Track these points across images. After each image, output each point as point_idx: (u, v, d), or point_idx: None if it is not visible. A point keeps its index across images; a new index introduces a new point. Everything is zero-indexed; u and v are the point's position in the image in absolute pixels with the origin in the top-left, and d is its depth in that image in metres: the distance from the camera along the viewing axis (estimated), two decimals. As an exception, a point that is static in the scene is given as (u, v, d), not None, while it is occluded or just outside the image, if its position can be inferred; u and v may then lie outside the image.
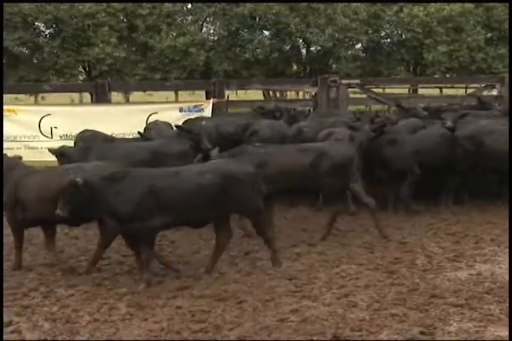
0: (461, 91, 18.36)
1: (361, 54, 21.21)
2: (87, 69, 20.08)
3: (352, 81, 13.99)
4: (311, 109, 13.07)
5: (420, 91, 19.89)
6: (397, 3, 19.58)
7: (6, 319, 5.21)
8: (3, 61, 17.04)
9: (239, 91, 24.70)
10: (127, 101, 23.52)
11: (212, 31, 20.64)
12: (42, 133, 11.90)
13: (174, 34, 19.18)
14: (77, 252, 7.11)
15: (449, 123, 8.44)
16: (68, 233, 7.80)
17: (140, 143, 8.53)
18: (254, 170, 6.34)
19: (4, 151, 8.01)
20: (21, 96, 21.56)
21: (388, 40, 20.93)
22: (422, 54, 19.79)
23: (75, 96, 26.74)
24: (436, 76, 19.91)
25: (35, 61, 18.96)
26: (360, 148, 7.97)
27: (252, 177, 6.22)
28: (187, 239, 7.54)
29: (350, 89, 13.96)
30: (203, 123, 10.29)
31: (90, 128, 9.88)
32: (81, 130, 9.91)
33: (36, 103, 19.38)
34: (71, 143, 9.42)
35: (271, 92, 22.43)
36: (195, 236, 7.59)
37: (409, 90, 19.90)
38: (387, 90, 19.51)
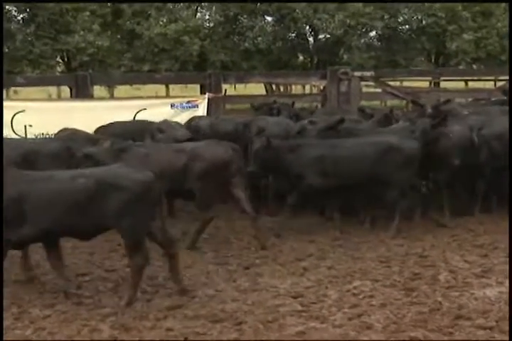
0: (490, 85, 18.40)
1: (376, 43, 21.29)
2: (66, 59, 20.16)
3: (365, 73, 14.00)
4: (319, 105, 13.10)
5: (443, 84, 19.89)
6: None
7: (-27, 343, 5.20)
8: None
9: (238, 85, 24.71)
10: (112, 97, 23.55)
11: (207, 17, 20.74)
12: (15, 132, 11.89)
13: (164, 20, 19.28)
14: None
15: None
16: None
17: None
18: (146, 177, 5.96)
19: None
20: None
21: (407, 26, 21.00)
22: (445, 42, 19.85)
23: (53, 90, 26.84)
24: (460, 67, 19.95)
25: (7, 50, 19.01)
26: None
27: (138, 187, 5.81)
28: (180, 252, 7.51)
29: (363, 83, 13.97)
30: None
31: (71, 126, 9.89)
32: (59, 129, 9.91)
33: (8, 98, 19.40)
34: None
35: (274, 86, 22.47)
36: (189, 248, 7.59)
37: (430, 83, 19.91)
38: (405, 83, 19.54)
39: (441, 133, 8.48)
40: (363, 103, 14.22)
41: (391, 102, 19.18)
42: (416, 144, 8.23)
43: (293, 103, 11.63)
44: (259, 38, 19.80)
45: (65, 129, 9.74)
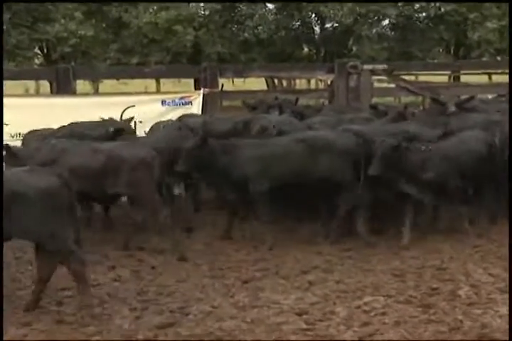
0: (515, 78, 18.39)
1: (389, 32, 21.31)
2: (45, 50, 20.16)
3: (377, 66, 14.03)
4: (326, 102, 13.12)
5: (463, 78, 19.94)
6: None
7: None
8: None
9: (236, 80, 24.77)
10: (96, 92, 23.59)
11: (202, 4, 20.73)
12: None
13: (155, 8, 19.28)
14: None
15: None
16: (22, 257, 7.81)
17: None
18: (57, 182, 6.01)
19: None
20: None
21: (423, 14, 20.99)
22: (466, 31, 19.85)
23: (30, 84, 26.87)
24: (483, 59, 19.97)
25: (-22, 40, 19.05)
26: None
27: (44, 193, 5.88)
28: (171, 265, 7.55)
29: (374, 77, 14.00)
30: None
31: (51, 125, 9.93)
32: (38, 127, 9.96)
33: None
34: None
35: (276, 81, 22.49)
36: (182, 260, 7.62)
37: (449, 77, 19.96)
38: (421, 78, 19.56)
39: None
40: (375, 99, 14.24)
41: (406, 99, 19.21)
42: (353, 140, 8.29)
43: (297, 99, 11.64)
44: (260, 28, 19.84)
45: (33, 131, 9.85)
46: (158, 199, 7.92)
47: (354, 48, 20.61)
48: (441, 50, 22.51)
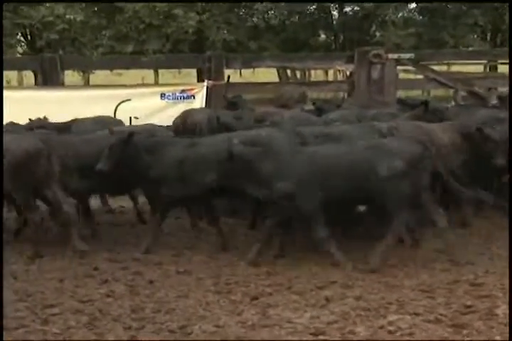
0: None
1: (416, 17, 21.30)
2: (29, 37, 20.22)
3: (403, 55, 14.05)
4: (345, 95, 13.12)
5: (501, 68, 19.90)
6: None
7: None
8: None
9: (244, 71, 24.79)
10: (87, 84, 23.64)
11: (206, -15, 20.79)
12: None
13: (153, -11, 19.33)
14: (15, 296, 7.15)
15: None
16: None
17: None
18: None
19: None
20: None
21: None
22: (503, 16, 19.82)
23: (12, 75, 26.90)
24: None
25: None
26: None
27: None
28: (171, 278, 7.57)
29: (400, 67, 14.01)
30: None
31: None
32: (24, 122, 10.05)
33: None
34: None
35: (288, 72, 22.51)
36: (183, 274, 7.65)
37: (485, 67, 19.95)
38: (454, 68, 19.57)
39: None
40: (400, 93, 14.24)
41: (435, 92, 19.21)
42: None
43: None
44: (271, 12, 19.88)
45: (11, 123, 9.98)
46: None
47: (377, 35, 20.64)
48: (475, 36, 22.50)
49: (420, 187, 7.73)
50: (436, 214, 7.83)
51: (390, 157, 7.61)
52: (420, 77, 14.39)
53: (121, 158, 8.28)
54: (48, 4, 18.50)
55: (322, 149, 8.02)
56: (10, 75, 26.83)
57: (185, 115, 10.89)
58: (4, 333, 6.17)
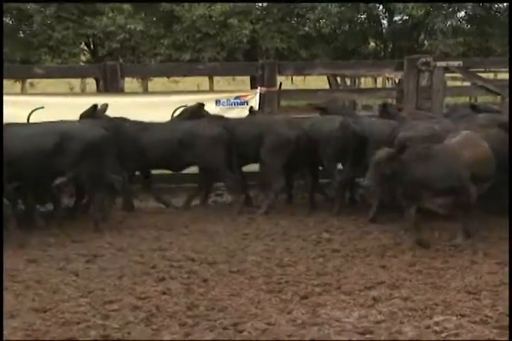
0: None
1: (465, 25, 21.09)
2: (92, 46, 20.48)
3: (451, 63, 13.90)
4: (393, 101, 13.04)
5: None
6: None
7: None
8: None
9: (295, 78, 24.79)
10: (145, 91, 23.82)
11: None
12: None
13: (209, 0, 19.44)
14: (77, 292, 7.24)
15: None
16: (65, 267, 7.96)
17: None
18: None
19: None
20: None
21: (504, 4, 20.72)
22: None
23: (75, 82, 27.32)
24: None
25: (22, 35, 19.39)
26: None
27: None
28: (224, 277, 7.60)
29: (448, 74, 13.87)
30: None
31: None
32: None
33: (23, 92, 19.80)
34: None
35: (339, 79, 22.44)
36: (236, 273, 7.67)
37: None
38: (500, 76, 19.32)
39: None
40: (448, 99, 14.11)
41: (483, 98, 18.98)
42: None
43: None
44: (322, 21, 19.84)
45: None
46: None
47: (426, 43, 20.49)
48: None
49: None
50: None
51: None
52: (467, 84, 14.23)
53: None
54: (110, 14, 18.68)
55: None
56: (73, 82, 27.24)
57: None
58: (66, 327, 6.27)
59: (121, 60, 18.56)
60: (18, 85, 23.81)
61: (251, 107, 11.96)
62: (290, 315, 6.51)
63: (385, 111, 10.97)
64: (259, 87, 13.02)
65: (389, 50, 21.58)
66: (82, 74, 17.82)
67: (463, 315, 6.44)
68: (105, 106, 10.82)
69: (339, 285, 7.27)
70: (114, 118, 10.73)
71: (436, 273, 7.67)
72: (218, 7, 18.93)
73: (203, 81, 25.22)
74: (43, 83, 23.70)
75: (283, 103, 14.18)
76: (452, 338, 5.96)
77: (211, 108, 12.31)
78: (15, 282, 7.43)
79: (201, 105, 11.18)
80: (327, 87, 22.22)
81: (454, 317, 6.40)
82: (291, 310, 6.64)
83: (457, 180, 8.28)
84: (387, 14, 21.24)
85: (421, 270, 7.73)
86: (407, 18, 20.50)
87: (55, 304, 6.75)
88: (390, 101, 14.22)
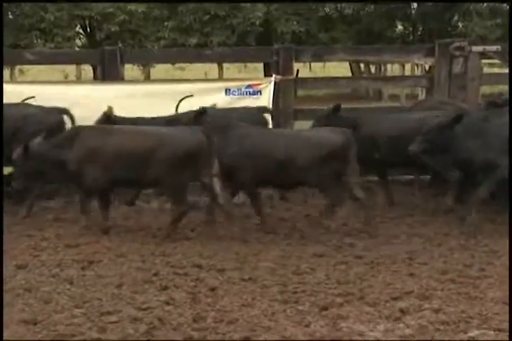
0: None
1: (503, 6, 21.03)
2: (88, 29, 20.52)
3: (488, 48, 13.86)
4: (423, 91, 13.00)
5: None
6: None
7: None
8: None
9: (314, 64, 24.77)
10: (147, 79, 23.86)
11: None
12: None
13: (218, -22, 19.45)
14: (71, 302, 7.25)
15: None
16: (58, 274, 7.97)
17: None
18: None
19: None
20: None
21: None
22: None
23: (71, 69, 27.36)
24: None
25: (11, 16, 19.44)
26: None
27: None
28: (234, 286, 7.60)
29: (485, 61, 13.81)
30: None
31: (94, 117, 10.23)
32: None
33: (12, 80, 19.84)
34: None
35: (362, 66, 22.42)
36: (247, 281, 7.66)
37: None
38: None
39: None
40: (485, 88, 14.07)
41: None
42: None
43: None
44: (344, 2, 19.83)
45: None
46: None
47: (459, 25, 20.43)
48: None
49: None
50: None
51: None
52: (506, 71, 14.17)
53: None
54: (107, -6, 18.74)
55: None
56: (68, 69, 27.29)
57: None
58: (60, 340, 6.28)
59: (120, 45, 18.57)
60: (6, 72, 23.89)
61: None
62: (307, 329, 6.51)
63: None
64: (273, 75, 13.01)
65: (418, 33, 21.56)
66: (78, 61, 17.77)
67: (501, 330, 6.43)
68: (110, 108, 10.83)
69: (362, 295, 7.26)
70: (126, 118, 10.66)
71: (471, 282, 7.65)
72: (228, -14, 18.94)
73: (211, 68, 25.34)
74: (34, 70, 23.80)
75: (300, 93, 14.16)
76: (489, 355, 5.96)
77: (220, 97, 12.32)
78: (31, 297, 7.43)
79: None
80: (349, 74, 22.18)
81: (492, 332, 6.39)
82: (308, 322, 6.64)
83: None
84: (416, -6, 21.23)
85: (454, 279, 7.72)
86: (439, -3, 20.47)
87: (46, 315, 6.77)
88: (419, 89, 14.17)
